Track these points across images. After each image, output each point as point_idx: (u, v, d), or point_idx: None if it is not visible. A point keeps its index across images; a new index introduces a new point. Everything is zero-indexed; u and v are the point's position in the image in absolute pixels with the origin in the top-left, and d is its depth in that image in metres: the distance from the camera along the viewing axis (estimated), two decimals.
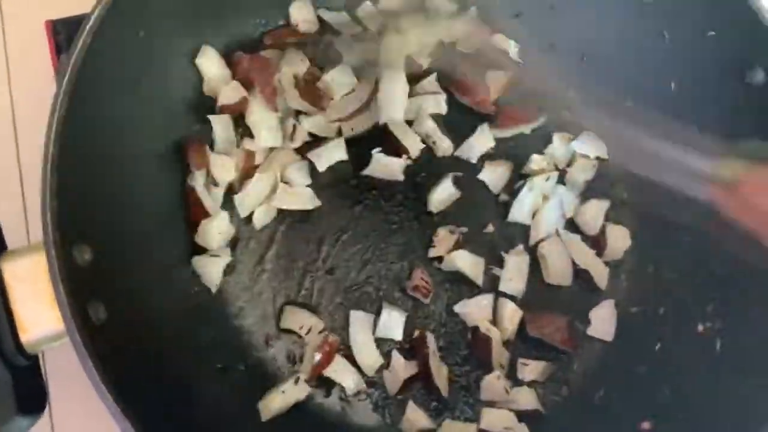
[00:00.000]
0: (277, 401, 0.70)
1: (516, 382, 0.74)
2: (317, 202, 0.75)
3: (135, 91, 0.66)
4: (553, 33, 0.81)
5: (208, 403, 0.66)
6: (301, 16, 0.79)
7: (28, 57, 0.87)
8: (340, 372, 0.72)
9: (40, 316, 0.53)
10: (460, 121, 0.80)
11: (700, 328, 0.71)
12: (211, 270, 0.72)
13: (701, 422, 0.67)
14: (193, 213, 0.72)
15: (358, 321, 0.73)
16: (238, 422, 0.68)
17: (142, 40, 0.64)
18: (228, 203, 0.75)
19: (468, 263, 0.75)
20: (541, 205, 0.78)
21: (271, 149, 0.76)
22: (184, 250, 0.72)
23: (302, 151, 0.77)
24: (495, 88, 0.80)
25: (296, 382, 0.71)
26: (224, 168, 0.74)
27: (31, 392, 0.55)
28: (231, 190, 0.75)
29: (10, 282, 0.54)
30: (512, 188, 0.79)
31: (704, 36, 0.71)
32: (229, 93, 0.74)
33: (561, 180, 0.79)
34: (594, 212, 0.78)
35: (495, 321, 0.75)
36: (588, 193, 0.79)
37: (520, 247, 0.77)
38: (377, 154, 0.76)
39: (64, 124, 0.55)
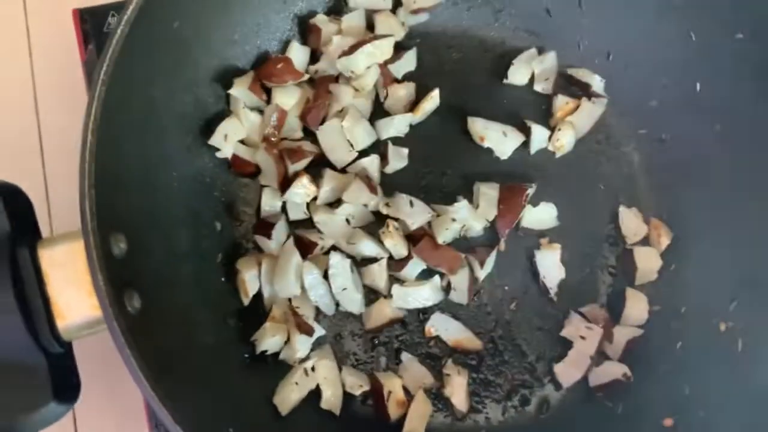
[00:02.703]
0: (293, 394, 0.70)
1: None
2: None
3: (168, 77, 0.66)
4: (580, 30, 0.81)
5: (236, 393, 0.66)
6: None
7: (52, 45, 0.87)
8: None
9: (77, 304, 0.54)
10: None
11: (722, 327, 0.71)
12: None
13: (721, 420, 0.67)
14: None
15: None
16: (264, 411, 0.68)
17: (177, 30, 0.64)
18: None
19: None
20: None
21: None
22: (216, 240, 0.73)
23: None
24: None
25: (306, 372, 0.71)
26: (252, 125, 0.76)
27: (65, 380, 0.56)
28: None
29: (48, 270, 0.54)
30: None
31: (732, 38, 0.72)
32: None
33: None
34: (633, 222, 0.79)
35: None
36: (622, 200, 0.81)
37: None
38: None
39: (103, 112, 0.55)
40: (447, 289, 0.76)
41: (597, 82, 0.81)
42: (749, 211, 0.73)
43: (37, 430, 0.53)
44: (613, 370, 0.73)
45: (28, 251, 0.54)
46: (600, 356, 0.74)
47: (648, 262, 0.77)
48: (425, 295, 0.75)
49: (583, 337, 0.74)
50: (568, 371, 0.74)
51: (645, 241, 0.79)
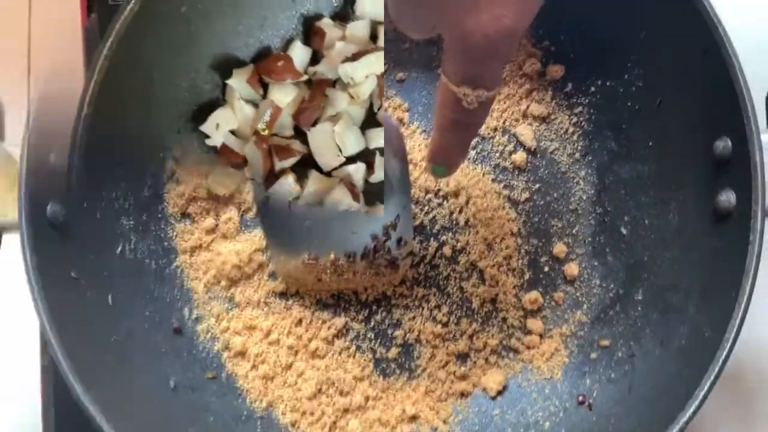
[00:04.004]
0: None
1: None
2: None
3: (169, 59, 0.68)
4: None
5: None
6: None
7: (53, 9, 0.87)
8: None
9: None
10: None
11: None
12: None
13: None
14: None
15: None
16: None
17: (185, 14, 0.66)
18: None
19: None
20: None
21: None
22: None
23: None
24: None
25: None
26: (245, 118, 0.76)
27: None
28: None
29: None
30: None
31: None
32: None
33: None
34: None
35: None
36: None
37: None
38: None
39: (101, 86, 0.56)
40: None
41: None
42: None
43: None
44: None
45: None
46: None
47: None
48: None
49: None
50: None
51: None
